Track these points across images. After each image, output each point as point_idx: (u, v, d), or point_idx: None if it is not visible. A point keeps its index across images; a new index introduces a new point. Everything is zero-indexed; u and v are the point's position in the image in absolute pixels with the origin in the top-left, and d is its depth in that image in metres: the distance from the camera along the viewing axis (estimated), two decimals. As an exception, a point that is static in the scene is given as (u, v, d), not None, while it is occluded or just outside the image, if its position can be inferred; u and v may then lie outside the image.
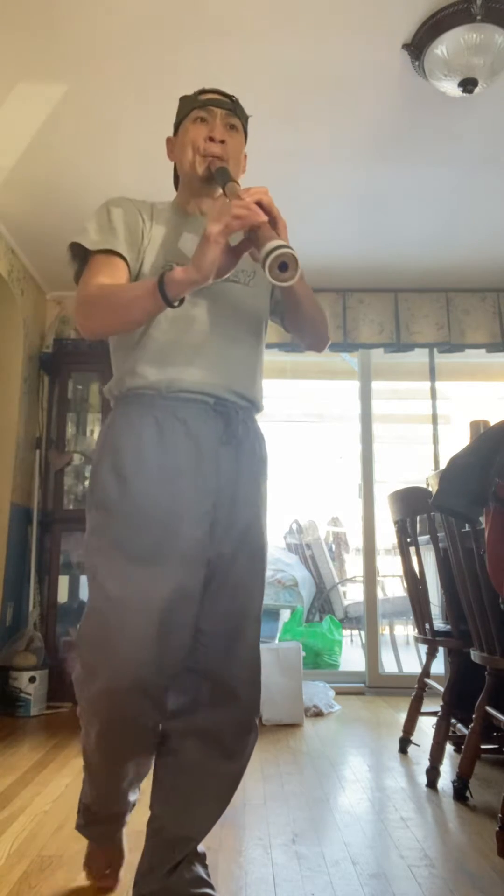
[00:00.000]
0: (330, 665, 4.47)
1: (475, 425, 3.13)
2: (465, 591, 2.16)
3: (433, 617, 2.66)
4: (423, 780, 2.41)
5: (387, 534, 4.32)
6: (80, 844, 1.68)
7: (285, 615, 5.10)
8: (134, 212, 1.42)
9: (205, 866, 1.45)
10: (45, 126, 2.77)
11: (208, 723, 1.39)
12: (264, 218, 1.22)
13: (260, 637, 1.47)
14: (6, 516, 3.73)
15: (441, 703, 2.46)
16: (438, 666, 2.95)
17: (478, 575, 2.04)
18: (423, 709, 2.74)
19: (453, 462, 1.98)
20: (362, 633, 4.42)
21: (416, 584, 2.75)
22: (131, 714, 1.26)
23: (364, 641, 4.27)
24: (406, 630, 5.49)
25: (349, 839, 1.89)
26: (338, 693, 3.82)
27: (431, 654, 2.80)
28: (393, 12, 2.22)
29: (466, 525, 2.06)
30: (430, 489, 2.65)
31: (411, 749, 2.79)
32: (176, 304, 1.23)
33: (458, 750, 2.69)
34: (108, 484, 1.33)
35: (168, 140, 1.55)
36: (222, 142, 1.44)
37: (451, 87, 2.38)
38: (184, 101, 1.50)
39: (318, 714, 3.47)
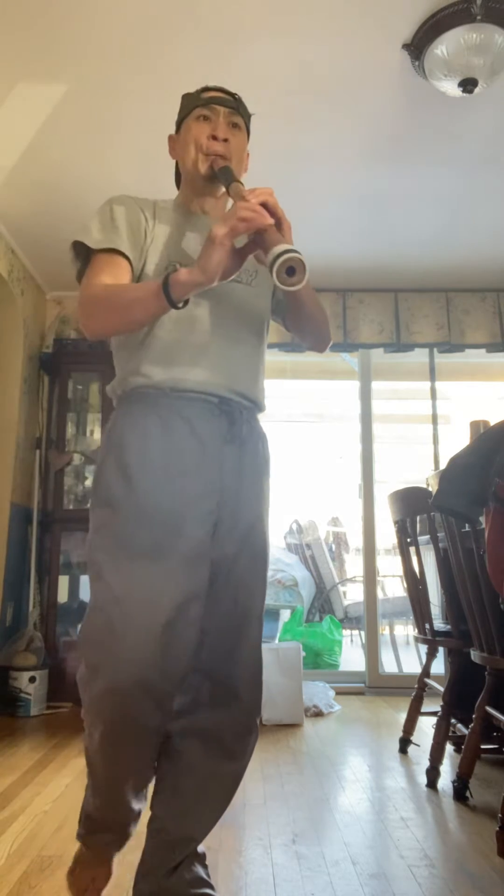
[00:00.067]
0: (330, 665, 4.47)
1: (475, 425, 3.13)
2: (465, 591, 2.16)
3: (433, 617, 2.66)
4: (423, 780, 2.41)
5: (387, 534, 4.32)
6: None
7: (285, 615, 5.10)
8: (137, 210, 1.41)
9: (205, 866, 1.45)
10: (45, 126, 2.77)
11: (209, 723, 1.39)
12: (271, 221, 1.21)
13: (262, 637, 1.47)
14: (6, 516, 3.73)
15: (441, 703, 2.46)
16: (438, 666, 2.95)
17: (478, 575, 2.04)
18: (423, 709, 2.74)
19: (453, 462, 1.98)
20: (362, 633, 4.42)
21: (416, 584, 2.75)
22: (134, 714, 1.24)
23: (364, 641, 4.27)
24: (406, 630, 5.49)
25: (349, 839, 1.89)
26: (338, 693, 3.82)
27: (431, 654, 2.80)
28: (393, 12, 2.22)
29: (466, 525, 2.06)
30: (430, 489, 2.65)
31: (411, 749, 2.79)
32: (180, 305, 1.23)
33: (458, 750, 2.69)
34: (113, 481, 1.32)
35: (170, 138, 1.54)
36: (225, 140, 1.43)
37: (451, 87, 2.38)
38: (186, 98, 1.49)
39: (318, 714, 3.47)
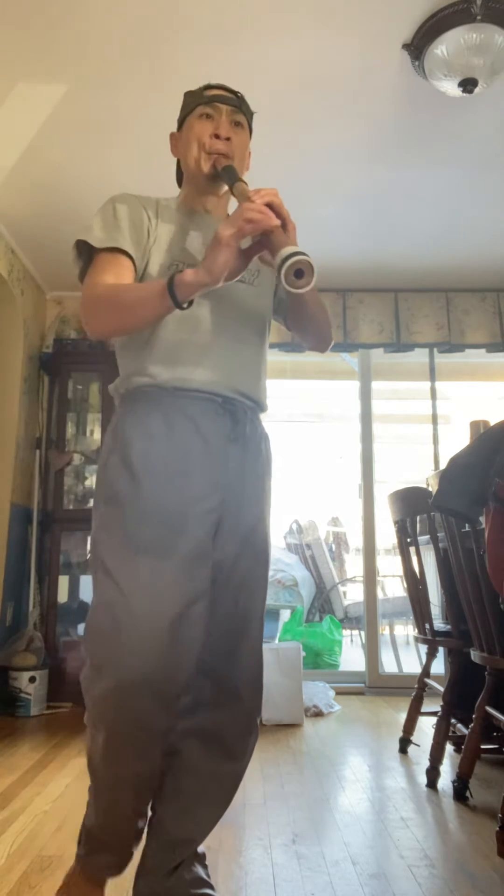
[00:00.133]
0: (330, 665, 4.48)
1: (475, 425, 3.13)
2: (465, 591, 2.16)
3: (433, 617, 2.66)
4: (423, 780, 2.41)
5: (387, 534, 4.32)
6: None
7: (285, 615, 5.11)
8: (139, 209, 1.41)
9: (205, 867, 1.45)
10: (45, 126, 2.77)
11: (210, 723, 1.39)
12: (277, 222, 1.20)
13: (262, 638, 1.47)
14: (6, 516, 3.73)
15: (441, 703, 2.46)
16: (438, 666, 2.95)
17: (478, 575, 2.04)
18: (423, 709, 2.74)
19: (453, 462, 1.98)
20: (362, 633, 4.42)
21: (416, 584, 2.76)
22: (139, 715, 1.23)
23: (364, 641, 4.27)
24: (406, 630, 5.49)
25: (349, 839, 1.89)
26: (338, 693, 3.82)
27: (431, 654, 2.80)
28: (393, 12, 2.22)
29: (466, 525, 2.06)
30: (430, 489, 2.65)
31: (411, 749, 2.79)
32: (185, 306, 1.22)
33: (458, 750, 2.69)
34: (118, 479, 1.31)
35: (172, 136, 1.53)
36: (228, 139, 1.42)
37: (451, 87, 2.38)
38: (189, 96, 1.49)
39: (318, 714, 3.47)
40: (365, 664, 4.18)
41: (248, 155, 1.52)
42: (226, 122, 1.44)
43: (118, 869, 1.37)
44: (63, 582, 4.00)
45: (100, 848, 1.36)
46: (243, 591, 1.39)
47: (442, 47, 2.27)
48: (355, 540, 6.38)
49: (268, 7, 2.20)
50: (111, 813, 1.33)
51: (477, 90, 2.36)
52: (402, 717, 2.91)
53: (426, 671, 2.78)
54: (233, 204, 1.51)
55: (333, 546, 6.76)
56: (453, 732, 2.56)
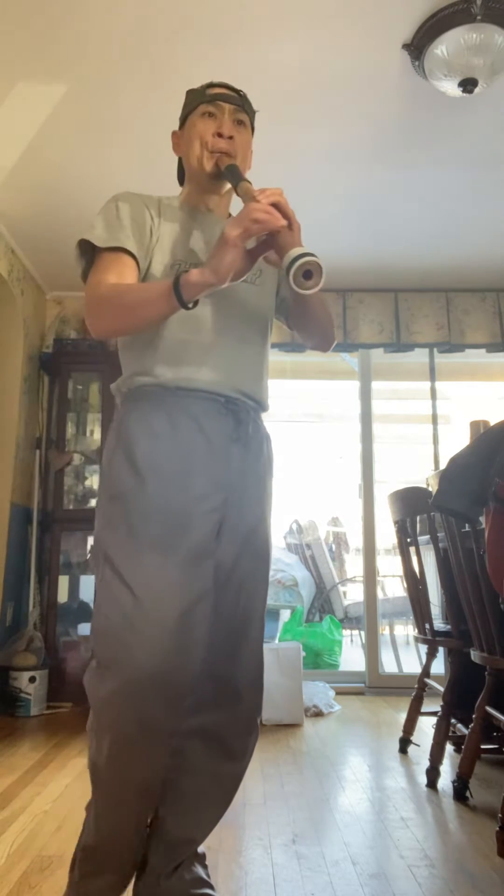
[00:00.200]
0: (330, 665, 4.48)
1: (475, 425, 3.13)
2: (465, 591, 2.16)
3: (433, 617, 2.66)
4: (423, 780, 2.41)
5: (387, 534, 4.32)
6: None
7: (285, 615, 5.11)
8: (142, 208, 1.40)
9: (205, 867, 1.45)
10: (45, 126, 2.77)
11: (210, 723, 1.38)
12: (284, 222, 1.20)
13: (263, 638, 1.47)
14: (6, 516, 3.73)
15: (441, 703, 2.46)
16: (438, 666, 2.95)
17: (478, 575, 2.04)
18: (423, 709, 2.74)
19: (453, 462, 1.98)
20: (362, 633, 4.42)
21: (416, 584, 2.76)
22: (147, 715, 1.21)
23: (364, 641, 4.27)
24: (406, 630, 5.49)
25: (349, 839, 1.89)
26: (338, 693, 3.82)
27: (431, 654, 2.80)
28: (393, 12, 2.22)
29: (466, 525, 2.06)
30: (430, 489, 2.65)
31: (411, 749, 2.79)
32: (190, 306, 1.22)
33: (458, 750, 2.69)
34: (122, 476, 1.31)
35: (174, 134, 1.53)
36: (230, 137, 1.42)
37: (451, 87, 2.38)
38: (191, 94, 1.48)
39: (318, 714, 3.47)
40: (365, 664, 4.18)
41: (250, 154, 1.51)
42: (228, 120, 1.43)
43: (119, 891, 1.31)
44: (63, 582, 4.00)
45: (99, 869, 1.30)
46: (244, 592, 1.39)
47: (442, 47, 2.27)
48: (355, 540, 6.38)
49: (268, 7, 2.20)
50: (115, 827, 1.28)
51: (477, 90, 2.36)
52: (402, 717, 2.91)
53: (426, 671, 2.78)
54: (235, 202, 1.51)
55: (333, 546, 6.76)
56: (453, 732, 2.56)
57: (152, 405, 1.35)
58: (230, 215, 1.54)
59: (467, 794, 2.18)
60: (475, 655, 2.13)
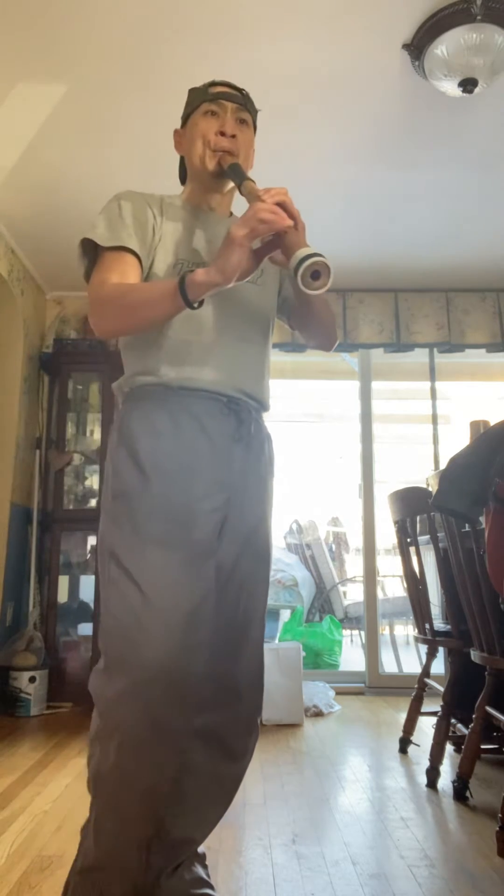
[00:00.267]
0: (330, 665, 4.48)
1: (475, 425, 3.13)
2: (465, 591, 2.16)
3: (433, 617, 2.66)
4: (423, 780, 2.41)
5: (387, 534, 4.32)
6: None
7: (285, 615, 5.11)
8: (144, 206, 1.40)
9: (205, 867, 1.45)
10: (45, 126, 2.77)
11: (211, 723, 1.38)
12: (290, 222, 1.20)
13: (264, 638, 1.46)
14: (6, 516, 3.73)
15: (441, 703, 2.46)
16: (438, 666, 2.95)
17: (478, 575, 2.04)
18: (423, 709, 2.74)
19: (454, 462, 1.98)
20: (362, 633, 4.42)
21: (416, 584, 2.75)
22: (157, 713, 1.20)
23: (364, 641, 4.27)
24: (406, 630, 5.49)
25: (349, 839, 1.89)
26: (338, 693, 3.82)
27: (431, 654, 2.80)
28: (393, 12, 2.22)
29: (466, 525, 2.06)
30: (430, 489, 2.65)
31: (411, 749, 2.79)
32: (196, 305, 1.21)
33: (458, 750, 2.69)
34: (126, 473, 1.31)
35: (176, 132, 1.52)
36: (233, 136, 1.41)
37: (451, 87, 2.38)
38: (193, 93, 1.48)
39: (318, 714, 3.47)
40: (365, 664, 4.18)
41: (252, 153, 1.51)
42: (231, 119, 1.43)
43: None
44: (63, 582, 4.00)
45: (102, 893, 1.22)
46: (245, 592, 1.39)
47: (442, 47, 2.27)
48: (355, 540, 6.38)
49: (268, 7, 2.20)
50: (119, 842, 1.22)
51: (477, 90, 2.36)
52: (402, 717, 2.91)
53: (426, 671, 2.78)
54: (237, 201, 1.51)
55: (333, 546, 6.76)
56: (453, 732, 2.56)
57: (154, 404, 1.35)
58: (232, 214, 1.54)
59: (467, 794, 2.18)
60: (475, 655, 2.13)
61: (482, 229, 3.62)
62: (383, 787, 2.35)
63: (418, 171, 3.09)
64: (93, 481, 4.12)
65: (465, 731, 2.26)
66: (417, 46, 2.32)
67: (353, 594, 6.24)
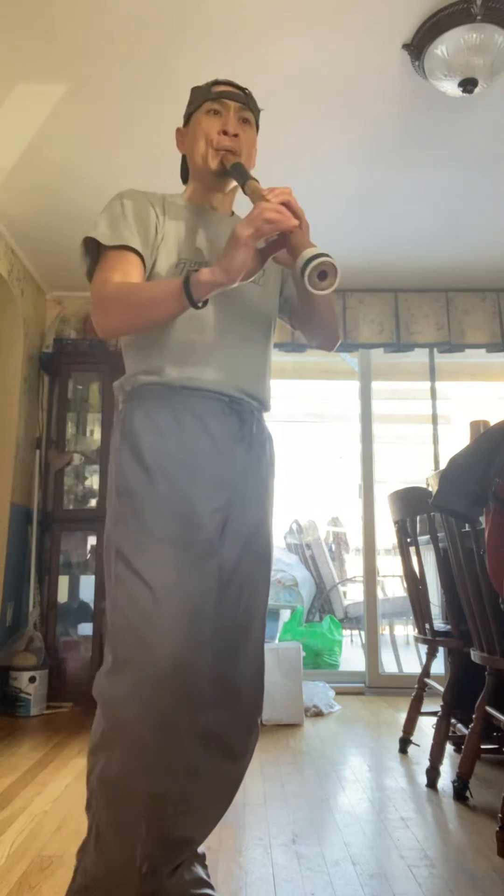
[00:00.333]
0: (330, 665, 4.48)
1: (475, 425, 3.13)
2: (465, 591, 2.16)
3: (433, 617, 2.66)
4: (423, 780, 2.41)
5: (387, 534, 4.32)
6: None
7: (285, 615, 5.11)
8: (147, 205, 1.40)
9: (205, 867, 1.45)
10: (45, 126, 2.77)
11: (211, 723, 1.37)
12: (296, 222, 1.19)
13: (264, 638, 1.46)
14: (6, 516, 3.73)
15: (441, 703, 2.46)
16: (438, 666, 2.95)
17: (478, 575, 2.04)
18: (423, 709, 2.74)
19: (454, 462, 1.98)
20: (362, 633, 4.42)
21: (416, 584, 2.75)
22: (165, 712, 1.19)
23: (364, 641, 4.27)
24: (406, 630, 5.49)
25: (349, 839, 1.89)
26: (338, 693, 3.82)
27: (431, 654, 2.80)
28: (393, 12, 2.22)
29: (466, 525, 2.06)
30: (430, 489, 2.65)
31: (411, 749, 2.79)
32: (200, 305, 1.21)
33: (458, 750, 2.68)
34: (130, 471, 1.30)
35: (178, 131, 1.52)
36: (235, 135, 1.41)
37: (451, 87, 2.38)
38: (196, 91, 1.47)
39: (318, 714, 3.47)
40: (365, 664, 4.18)
41: (254, 152, 1.50)
42: (234, 118, 1.42)
43: None
44: (63, 582, 4.00)
45: None
46: (245, 592, 1.39)
47: (442, 47, 2.27)
48: (355, 540, 6.38)
49: (268, 7, 2.20)
50: (126, 854, 1.19)
51: (477, 90, 2.36)
52: (402, 717, 2.91)
53: (426, 671, 2.78)
54: (238, 200, 1.51)
55: (333, 546, 6.76)
56: (453, 732, 2.56)
57: (157, 404, 1.34)
58: (233, 213, 1.54)
59: (467, 794, 2.18)
60: (475, 655, 2.13)
61: (482, 229, 3.62)
62: (383, 787, 2.35)
63: (418, 171, 3.09)
64: (93, 481, 4.12)
65: (465, 731, 2.26)
66: (417, 46, 2.32)
67: (353, 594, 6.24)
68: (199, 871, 1.42)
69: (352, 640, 5.90)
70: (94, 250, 1.37)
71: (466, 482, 1.92)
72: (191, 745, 1.28)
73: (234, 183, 1.46)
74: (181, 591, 1.23)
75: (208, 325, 1.37)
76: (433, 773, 2.35)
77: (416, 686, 2.79)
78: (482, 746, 2.21)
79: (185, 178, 1.55)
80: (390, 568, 5.77)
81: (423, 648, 2.95)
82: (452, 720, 2.49)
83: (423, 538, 2.71)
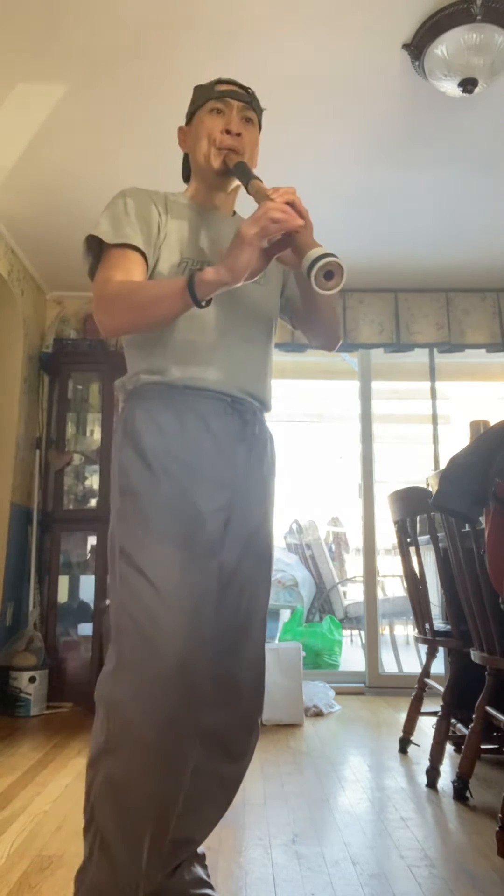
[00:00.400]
0: (330, 665, 4.48)
1: (475, 425, 3.13)
2: (465, 591, 2.16)
3: (433, 617, 2.66)
4: (423, 780, 2.41)
5: (387, 534, 4.32)
6: (80, 844, 1.67)
7: (285, 615, 5.11)
8: (149, 204, 1.39)
9: (204, 867, 1.45)
10: (45, 126, 2.77)
11: (211, 723, 1.37)
12: (301, 222, 1.19)
13: (265, 638, 1.46)
14: (6, 516, 3.73)
15: (441, 703, 2.46)
16: (438, 666, 2.95)
17: (478, 575, 2.04)
18: (423, 709, 2.74)
19: (454, 462, 1.98)
20: (362, 633, 4.42)
21: (416, 584, 2.75)
22: (172, 713, 1.19)
23: (364, 641, 4.27)
24: (406, 630, 5.49)
25: (349, 839, 1.89)
26: (338, 693, 3.82)
27: (431, 654, 2.80)
28: (393, 12, 2.22)
29: (466, 525, 2.06)
30: (430, 489, 2.65)
31: (411, 749, 2.79)
32: (204, 304, 1.21)
33: (458, 750, 2.68)
34: (133, 470, 1.30)
35: (180, 130, 1.52)
36: (238, 135, 1.41)
37: (451, 87, 2.38)
38: (199, 90, 1.47)
39: (318, 714, 3.47)
40: (365, 664, 4.18)
41: (257, 152, 1.49)
42: (237, 117, 1.42)
43: None
44: (63, 582, 4.00)
45: None
46: (246, 593, 1.39)
47: (442, 47, 2.27)
48: (355, 540, 6.38)
49: (268, 7, 2.20)
50: (133, 854, 1.18)
51: (477, 90, 2.36)
52: (402, 717, 2.91)
53: (426, 671, 2.78)
54: (240, 200, 1.51)
55: (333, 546, 6.76)
56: (453, 732, 2.56)
57: (159, 403, 1.34)
58: (235, 213, 1.54)
59: (467, 794, 2.18)
60: (475, 655, 2.13)
61: (482, 229, 3.62)
62: (383, 787, 2.35)
63: (418, 171, 3.09)
64: (93, 481, 4.12)
65: (465, 731, 2.26)
66: (417, 46, 2.32)
67: (353, 594, 6.24)
68: (199, 871, 1.42)
69: (352, 640, 5.90)
70: (97, 248, 1.37)
71: (466, 482, 1.92)
72: (192, 746, 1.27)
73: (235, 182, 1.45)
74: (185, 590, 1.23)
75: (210, 325, 1.37)
76: (433, 773, 2.35)
77: (416, 686, 2.79)
78: (482, 746, 2.21)
79: (186, 176, 1.55)
80: (390, 568, 5.77)
81: (423, 648, 2.95)
82: (452, 720, 2.49)
83: (423, 538, 2.71)
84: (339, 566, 6.62)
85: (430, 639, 2.60)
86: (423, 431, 4.55)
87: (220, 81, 1.46)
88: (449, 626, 2.52)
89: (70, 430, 4.11)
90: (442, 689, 2.52)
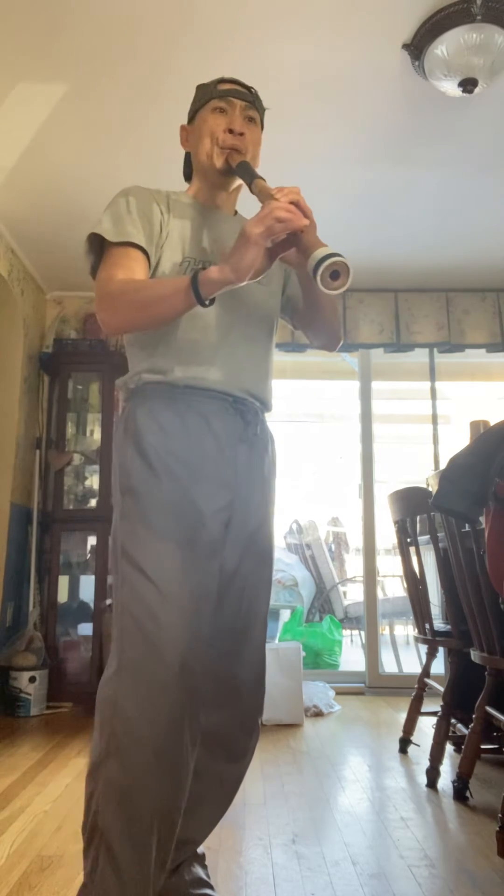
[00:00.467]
0: (330, 665, 4.47)
1: (475, 425, 3.13)
2: (465, 591, 2.16)
3: (433, 617, 2.66)
4: (423, 780, 2.41)
5: (387, 534, 4.32)
6: (80, 844, 1.66)
7: (285, 615, 5.11)
8: (151, 202, 1.39)
9: (204, 867, 1.45)
10: (45, 126, 2.77)
11: (211, 723, 1.37)
12: (307, 222, 1.19)
13: (266, 639, 1.46)
14: (6, 516, 3.73)
15: (441, 703, 2.46)
16: (438, 666, 2.95)
17: (478, 575, 2.04)
18: (423, 709, 2.74)
19: (453, 462, 1.98)
20: (362, 633, 4.42)
21: (416, 584, 2.75)
22: (176, 713, 1.19)
23: (364, 641, 4.27)
24: (406, 630, 5.49)
25: (349, 839, 1.89)
26: (338, 693, 3.82)
27: (431, 654, 2.80)
28: (393, 12, 2.22)
29: (466, 525, 2.06)
30: (430, 489, 2.65)
31: (411, 749, 2.79)
32: (207, 303, 1.21)
33: (458, 750, 2.68)
34: (134, 469, 1.30)
35: (183, 128, 1.51)
36: (241, 134, 1.41)
37: (451, 87, 2.38)
38: (201, 89, 1.47)
39: (318, 714, 3.47)
40: (365, 664, 4.18)
41: (259, 151, 1.49)
42: (239, 117, 1.42)
43: None
44: (63, 582, 4.00)
45: None
46: (247, 593, 1.39)
47: (442, 47, 2.27)
48: (355, 540, 6.38)
49: (267, 7, 2.20)
50: (141, 860, 1.17)
51: (477, 90, 2.35)
52: (402, 717, 2.91)
53: (426, 671, 2.78)
54: (242, 199, 1.51)
55: (333, 546, 6.76)
56: (453, 732, 2.56)
57: (161, 403, 1.34)
58: (236, 212, 1.54)
59: (467, 794, 2.18)
60: (475, 655, 2.13)
61: (482, 229, 3.62)
62: (383, 787, 2.35)
63: (418, 170, 3.09)
64: (93, 481, 4.12)
65: (465, 731, 2.26)
66: (417, 46, 2.32)
67: (353, 594, 6.24)
68: (199, 871, 1.42)
69: (352, 640, 5.90)
70: (99, 247, 1.37)
71: (467, 482, 1.92)
72: (193, 746, 1.27)
73: (238, 181, 1.45)
74: (186, 590, 1.23)
75: (212, 325, 1.36)
76: (433, 773, 2.35)
77: (416, 686, 2.79)
78: (482, 746, 2.21)
79: (187, 175, 1.54)
80: (390, 568, 5.77)
81: (423, 648, 2.95)
82: (452, 720, 2.49)
83: (423, 538, 2.71)
84: (339, 566, 6.62)
85: (430, 639, 2.60)
86: (423, 431, 4.55)
87: (222, 80, 1.46)
88: (449, 626, 2.52)
89: (70, 430, 4.11)
90: (442, 689, 2.52)
